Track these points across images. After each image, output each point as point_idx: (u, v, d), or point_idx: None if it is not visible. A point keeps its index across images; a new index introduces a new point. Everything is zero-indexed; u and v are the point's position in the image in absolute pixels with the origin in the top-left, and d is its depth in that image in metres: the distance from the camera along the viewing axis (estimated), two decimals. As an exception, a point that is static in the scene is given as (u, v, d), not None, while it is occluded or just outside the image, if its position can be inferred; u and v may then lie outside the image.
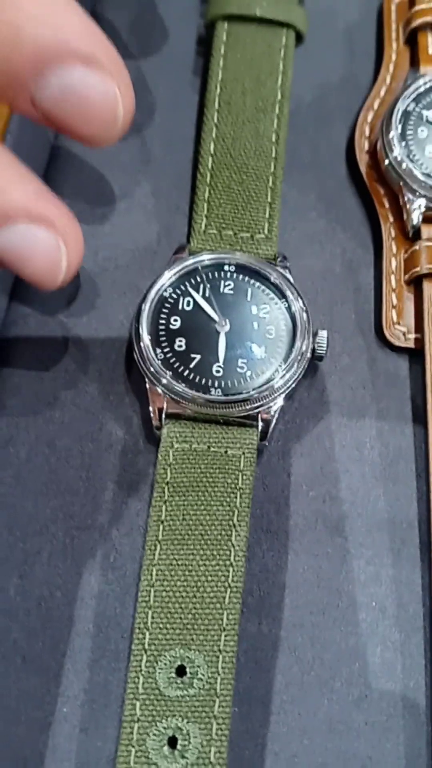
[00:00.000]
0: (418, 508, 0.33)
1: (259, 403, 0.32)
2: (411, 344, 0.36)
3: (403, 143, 0.37)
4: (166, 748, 0.28)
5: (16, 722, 0.30)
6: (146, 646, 0.29)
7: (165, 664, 0.29)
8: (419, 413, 0.35)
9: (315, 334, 0.34)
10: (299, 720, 0.30)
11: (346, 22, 0.43)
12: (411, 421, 0.35)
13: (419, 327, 0.36)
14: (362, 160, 0.39)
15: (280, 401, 0.32)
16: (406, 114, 0.38)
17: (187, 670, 0.29)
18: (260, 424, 0.32)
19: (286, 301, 0.34)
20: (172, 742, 0.28)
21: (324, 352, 0.33)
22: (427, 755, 0.30)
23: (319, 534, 0.33)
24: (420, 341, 0.35)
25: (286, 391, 0.33)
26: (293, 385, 0.33)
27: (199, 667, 0.29)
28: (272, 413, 0.32)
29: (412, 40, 0.41)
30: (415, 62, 0.40)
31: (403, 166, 0.37)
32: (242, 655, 0.31)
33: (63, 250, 0.27)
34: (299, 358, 0.33)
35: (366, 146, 0.39)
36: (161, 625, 0.29)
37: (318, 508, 0.33)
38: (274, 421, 0.32)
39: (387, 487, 0.34)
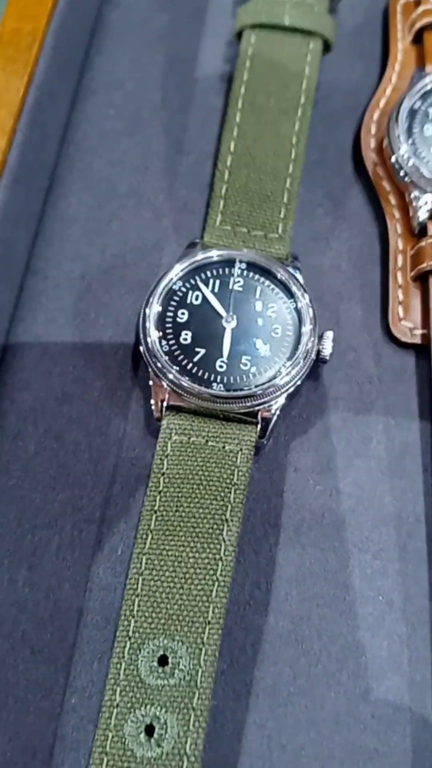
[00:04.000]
0: (425, 502, 0.33)
1: (261, 400, 0.32)
2: (417, 340, 0.36)
3: (410, 141, 0.37)
4: (142, 735, 0.28)
5: (26, 712, 0.30)
6: (130, 634, 0.29)
7: (148, 653, 0.29)
8: (425, 409, 0.35)
9: (321, 336, 0.34)
10: (306, 712, 0.30)
11: (352, 22, 0.44)
12: (417, 416, 0.35)
13: (426, 323, 0.36)
14: (368, 158, 0.39)
15: (282, 399, 0.33)
16: (413, 112, 0.38)
17: (170, 660, 0.29)
18: (260, 421, 0.32)
19: (294, 300, 0.34)
20: (149, 730, 0.28)
21: (328, 355, 0.33)
22: (433, 748, 0.30)
23: (325, 528, 0.33)
24: (426, 337, 0.36)
25: (289, 390, 0.33)
26: (298, 383, 0.33)
27: (181, 658, 0.29)
28: (273, 411, 0.33)
29: (417, 39, 0.41)
30: (420, 61, 0.41)
31: (410, 163, 0.37)
32: (249, 647, 0.31)
33: None
34: (304, 356, 0.33)
35: (372, 144, 0.39)
36: (147, 614, 0.29)
37: (325, 503, 0.33)
38: (274, 419, 0.33)
39: (393, 481, 0.34)
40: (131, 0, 0.44)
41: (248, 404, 0.32)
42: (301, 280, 0.35)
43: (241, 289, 0.34)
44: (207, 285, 0.34)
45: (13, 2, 0.37)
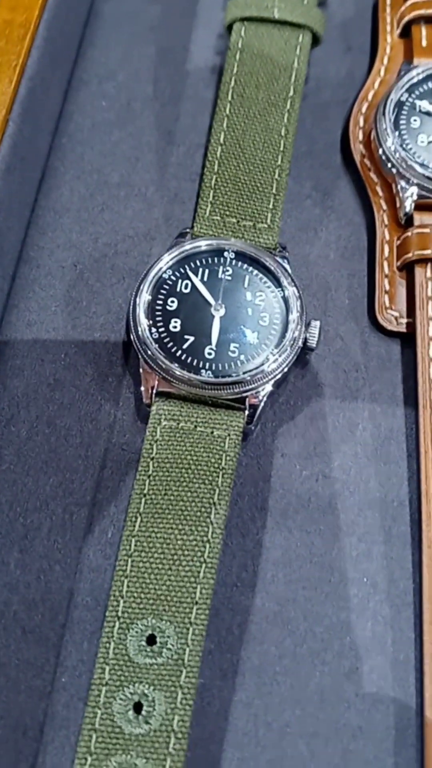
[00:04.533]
0: (409, 487, 0.34)
1: (249, 387, 0.33)
2: (403, 328, 0.36)
3: (397, 133, 0.38)
4: (131, 712, 0.28)
5: (17, 691, 0.30)
6: (119, 614, 0.30)
7: (136, 632, 0.29)
8: (410, 395, 0.36)
9: (308, 325, 0.34)
10: (291, 691, 0.31)
11: (341, 16, 0.44)
12: (402, 403, 0.36)
13: (411, 312, 0.36)
14: (356, 149, 0.40)
15: (269, 386, 0.33)
16: (400, 104, 0.38)
17: (158, 639, 0.29)
18: (248, 407, 0.33)
19: (282, 289, 0.35)
20: (138, 707, 0.29)
21: (315, 343, 0.34)
22: (415, 726, 0.31)
23: (312, 512, 0.34)
24: (412, 325, 0.36)
25: (277, 377, 0.33)
26: (285, 370, 0.33)
27: (169, 637, 0.29)
28: (260, 398, 0.33)
29: (406, 33, 0.42)
30: (408, 55, 0.41)
31: (397, 155, 0.38)
32: (236, 628, 0.32)
33: None
34: (291, 343, 0.34)
35: (360, 136, 0.40)
36: (135, 595, 0.30)
37: (311, 487, 0.34)
38: (261, 405, 0.33)
39: (379, 466, 0.34)
40: (123, -8, 0.44)
41: (236, 390, 0.33)
42: (289, 270, 0.35)
43: (230, 278, 0.35)
44: (196, 274, 0.35)
45: (6, -6, 0.38)
